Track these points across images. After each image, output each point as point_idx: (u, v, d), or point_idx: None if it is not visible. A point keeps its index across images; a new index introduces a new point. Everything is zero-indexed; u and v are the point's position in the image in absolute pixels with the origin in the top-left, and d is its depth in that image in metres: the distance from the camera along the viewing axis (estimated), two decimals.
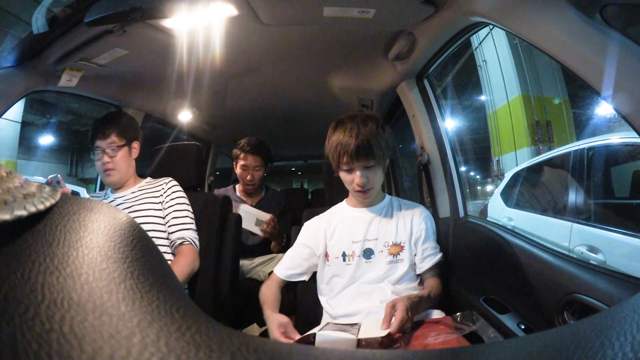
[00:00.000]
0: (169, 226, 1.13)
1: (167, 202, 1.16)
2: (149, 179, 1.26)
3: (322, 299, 1.06)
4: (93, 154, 1.16)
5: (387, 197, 1.12)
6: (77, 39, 1.03)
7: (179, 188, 1.20)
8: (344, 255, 1.03)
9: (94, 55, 1.12)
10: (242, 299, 1.42)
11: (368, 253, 1.02)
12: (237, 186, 1.84)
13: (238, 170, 1.75)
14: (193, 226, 1.15)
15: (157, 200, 1.16)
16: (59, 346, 0.13)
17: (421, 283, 1.03)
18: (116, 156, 1.15)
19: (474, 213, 2.05)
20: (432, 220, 1.10)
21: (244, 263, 1.63)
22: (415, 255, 1.02)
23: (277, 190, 1.99)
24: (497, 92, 7.26)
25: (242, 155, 1.72)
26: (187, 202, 1.19)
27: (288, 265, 1.09)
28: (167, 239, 1.12)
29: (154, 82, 1.41)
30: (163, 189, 1.18)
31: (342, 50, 1.29)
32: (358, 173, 0.97)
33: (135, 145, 1.23)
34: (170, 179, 1.22)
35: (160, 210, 1.15)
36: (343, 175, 1.01)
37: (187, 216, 1.15)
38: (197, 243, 1.13)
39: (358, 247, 1.02)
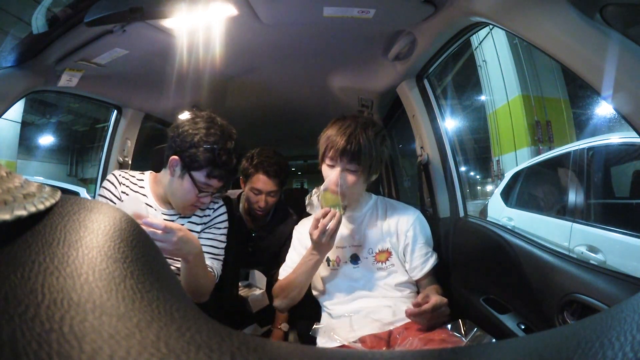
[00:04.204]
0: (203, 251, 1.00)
1: (210, 227, 1.05)
2: None
3: (320, 301, 1.05)
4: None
5: (373, 198, 1.09)
6: (77, 39, 1.03)
7: (226, 217, 1.09)
8: (327, 260, 1.02)
9: (94, 55, 1.12)
10: (243, 300, 1.42)
11: (354, 259, 1.00)
12: (243, 197, 1.49)
13: (247, 191, 1.39)
14: (222, 257, 1.06)
15: (198, 221, 1.04)
16: (59, 346, 0.13)
17: (417, 288, 1.02)
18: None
19: (474, 213, 2.05)
20: (422, 222, 1.05)
21: None
22: (406, 262, 1.01)
23: (289, 211, 1.56)
24: (497, 92, 7.26)
25: (255, 176, 1.34)
26: (227, 231, 1.08)
27: (291, 267, 1.08)
28: None
29: (154, 82, 1.41)
30: (210, 216, 1.06)
31: (342, 50, 1.29)
32: (337, 170, 0.93)
33: None
34: (222, 203, 1.09)
35: (197, 232, 1.03)
36: (324, 169, 0.98)
37: (222, 247, 1.05)
38: (218, 276, 1.03)
39: (342, 253, 1.01)
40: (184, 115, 1.86)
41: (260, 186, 1.34)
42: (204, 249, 1.01)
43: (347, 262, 1.00)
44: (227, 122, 0.97)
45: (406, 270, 1.00)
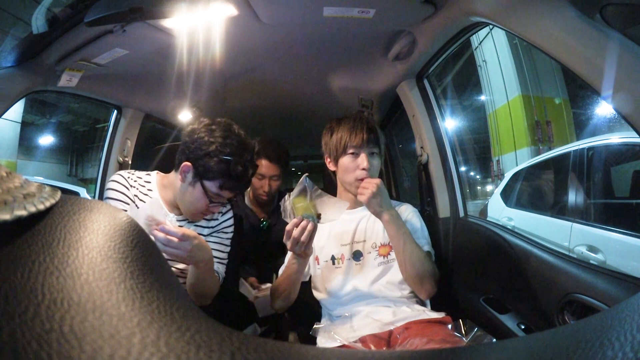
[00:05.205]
0: None
1: (217, 231, 1.05)
2: None
3: (321, 301, 1.05)
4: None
5: None
6: (77, 39, 1.03)
7: (232, 221, 1.09)
8: (333, 258, 1.03)
9: (94, 55, 1.12)
10: (243, 300, 1.42)
11: (357, 255, 1.01)
12: (247, 191, 1.56)
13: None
14: (226, 261, 1.06)
15: (204, 224, 1.03)
16: (59, 346, 0.13)
17: None
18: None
19: (474, 213, 2.05)
20: (418, 216, 1.08)
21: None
22: None
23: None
24: (497, 92, 7.27)
25: (257, 162, 1.42)
26: (232, 235, 1.08)
27: None
28: None
29: (154, 82, 1.41)
30: (218, 220, 1.06)
31: (342, 50, 1.29)
32: (364, 155, 0.99)
33: None
34: (229, 208, 1.10)
35: (204, 236, 1.02)
36: (346, 162, 1.01)
37: (227, 251, 1.06)
38: (222, 279, 1.03)
39: (346, 249, 1.02)
40: (185, 115, 1.86)
41: (264, 171, 1.42)
42: (215, 253, 1.00)
43: (350, 258, 1.01)
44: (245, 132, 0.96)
45: None
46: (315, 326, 0.98)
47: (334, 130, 1.05)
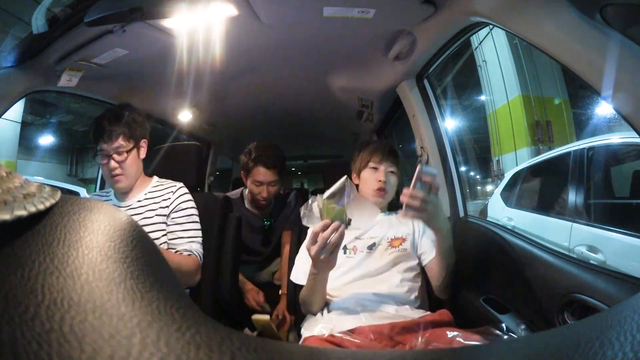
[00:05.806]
0: (175, 237, 1.05)
1: (176, 211, 1.08)
2: (155, 180, 1.16)
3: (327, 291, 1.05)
4: (97, 157, 1.05)
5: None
6: (77, 39, 1.03)
7: (189, 197, 1.11)
8: (344, 248, 1.05)
9: (94, 55, 1.12)
10: (243, 300, 1.42)
11: (370, 246, 1.05)
12: (246, 192, 1.60)
13: (249, 185, 1.49)
14: (200, 239, 1.08)
15: (164, 212, 1.07)
16: (59, 346, 0.13)
17: (422, 280, 1.03)
18: (125, 161, 1.03)
19: (474, 213, 2.05)
20: None
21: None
22: (420, 247, 1.05)
23: (286, 200, 1.68)
24: (497, 92, 7.26)
25: (254, 170, 1.43)
26: (197, 212, 1.11)
27: (305, 271, 1.04)
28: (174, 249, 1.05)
29: (154, 82, 1.41)
30: (170, 199, 1.09)
31: (342, 50, 1.29)
32: (382, 168, 1.10)
33: (144, 144, 1.11)
34: (180, 185, 1.12)
35: (152, 219, 1.06)
36: (367, 175, 1.12)
37: (196, 229, 1.08)
38: (202, 257, 1.07)
39: (360, 242, 1.06)
40: (185, 115, 1.86)
41: (261, 178, 1.43)
42: (177, 234, 1.06)
43: (363, 250, 1.04)
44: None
45: (417, 256, 1.05)
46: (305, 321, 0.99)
47: (361, 149, 1.17)
